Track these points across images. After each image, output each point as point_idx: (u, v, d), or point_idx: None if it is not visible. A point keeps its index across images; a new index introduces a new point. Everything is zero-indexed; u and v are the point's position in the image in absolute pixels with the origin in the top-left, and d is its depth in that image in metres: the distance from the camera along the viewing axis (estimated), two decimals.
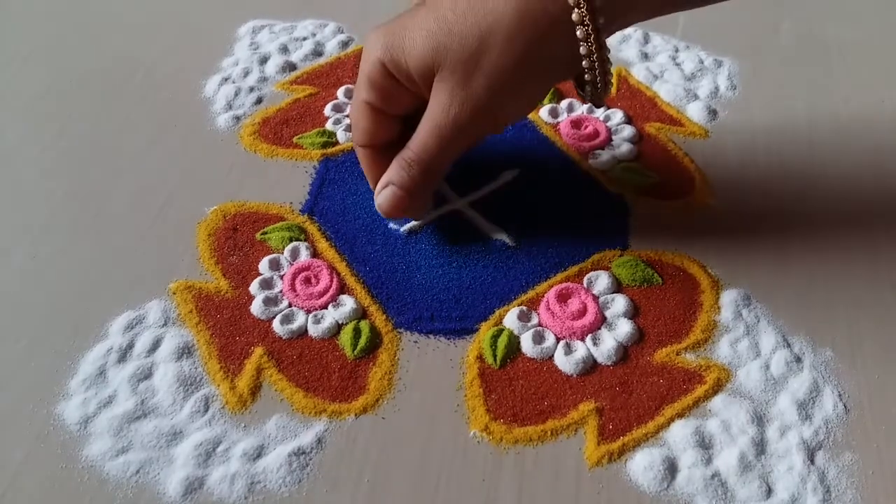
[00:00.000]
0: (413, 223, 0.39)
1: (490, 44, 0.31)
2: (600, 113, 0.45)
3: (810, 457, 0.31)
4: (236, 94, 0.47)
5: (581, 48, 0.32)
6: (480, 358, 0.34)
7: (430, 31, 0.32)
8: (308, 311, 0.35)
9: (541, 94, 0.35)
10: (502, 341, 0.34)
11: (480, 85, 0.32)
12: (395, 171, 0.35)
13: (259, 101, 0.47)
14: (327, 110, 0.46)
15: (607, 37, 0.32)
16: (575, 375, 0.33)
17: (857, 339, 0.35)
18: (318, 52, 0.50)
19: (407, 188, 0.35)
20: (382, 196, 0.36)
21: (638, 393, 0.33)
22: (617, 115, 0.45)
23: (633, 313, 0.36)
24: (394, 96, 0.35)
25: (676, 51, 0.50)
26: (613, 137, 0.44)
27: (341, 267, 0.37)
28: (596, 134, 0.44)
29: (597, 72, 0.32)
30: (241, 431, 0.32)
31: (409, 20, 0.33)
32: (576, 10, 0.31)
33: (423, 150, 0.34)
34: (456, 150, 0.35)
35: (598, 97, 0.34)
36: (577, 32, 0.31)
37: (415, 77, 0.33)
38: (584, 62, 0.32)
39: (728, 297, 0.36)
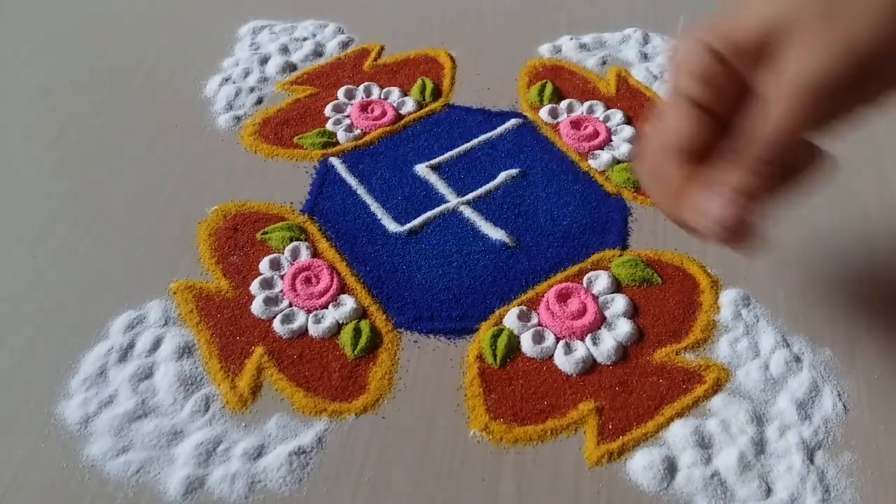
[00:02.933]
0: (414, 223, 0.39)
1: None
2: (600, 113, 0.45)
3: (809, 456, 0.31)
4: (237, 95, 0.47)
5: None
6: (480, 358, 0.34)
7: None
8: (308, 311, 0.36)
9: None
10: (502, 341, 0.34)
11: (854, 27, 0.25)
12: (737, 177, 0.27)
13: (259, 101, 0.47)
14: (327, 110, 0.46)
15: None
16: (575, 375, 0.33)
17: (857, 339, 0.35)
18: (318, 53, 0.50)
19: (757, 192, 0.27)
20: (724, 212, 0.26)
21: (637, 392, 0.33)
22: (617, 116, 0.45)
23: (633, 313, 0.36)
24: (721, 86, 0.27)
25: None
26: (613, 137, 0.44)
27: (341, 267, 0.37)
28: (596, 134, 0.44)
29: None
30: (241, 431, 0.32)
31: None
32: None
33: (787, 117, 0.26)
34: (822, 123, 0.27)
35: None
36: None
37: (753, 47, 0.26)
38: None
39: (727, 297, 0.36)
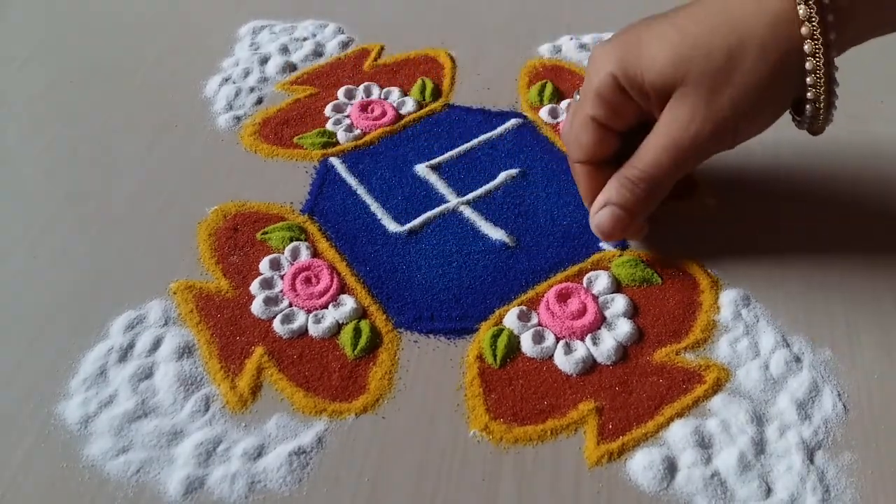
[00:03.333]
0: (414, 223, 0.39)
1: (740, 59, 0.30)
2: None
3: (809, 456, 0.31)
4: (237, 95, 0.47)
5: (807, 63, 0.30)
6: (480, 357, 0.34)
7: (672, 44, 0.31)
8: (308, 311, 0.36)
9: (778, 114, 0.33)
10: (502, 341, 0.34)
11: (726, 102, 0.31)
12: (615, 191, 0.34)
13: (259, 101, 0.47)
14: (327, 111, 0.46)
15: (837, 55, 0.30)
16: (575, 375, 0.33)
17: (857, 339, 0.35)
18: (318, 53, 0.50)
19: (630, 208, 0.34)
20: (602, 216, 0.35)
21: (637, 392, 0.33)
22: None
23: (633, 313, 0.36)
24: (621, 111, 0.33)
25: None
26: None
27: (341, 267, 0.37)
28: None
29: (821, 90, 0.30)
30: (241, 431, 0.32)
31: (644, 32, 0.32)
32: (806, 23, 0.29)
33: (655, 166, 0.33)
34: (687, 168, 0.33)
35: (817, 121, 0.32)
36: (805, 47, 0.29)
37: (650, 91, 0.32)
38: (808, 78, 0.30)
39: (727, 297, 0.36)
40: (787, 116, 0.34)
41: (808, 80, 0.30)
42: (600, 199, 0.35)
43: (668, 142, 0.32)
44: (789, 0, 0.30)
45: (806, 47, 0.30)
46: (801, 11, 0.29)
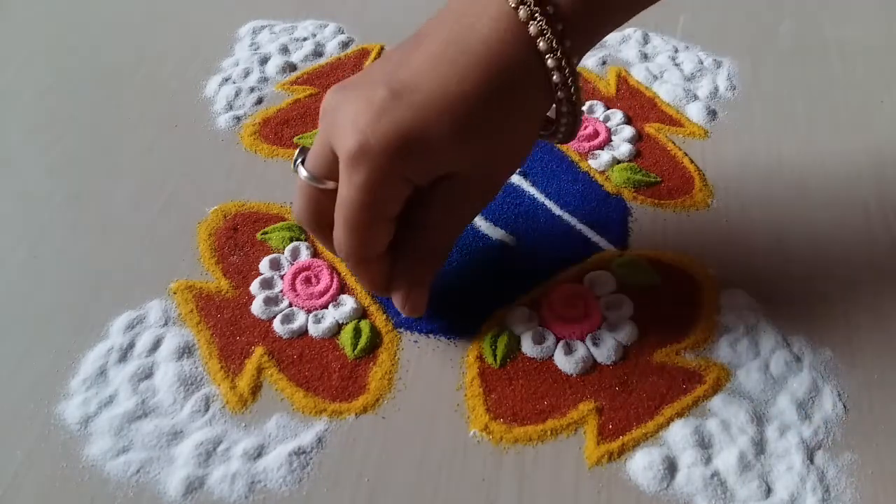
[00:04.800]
0: None
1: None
2: (600, 113, 0.45)
3: (810, 456, 0.31)
4: (237, 95, 0.47)
5: (554, 76, 0.29)
6: (480, 358, 0.34)
7: (426, 106, 0.28)
8: (308, 311, 0.36)
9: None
10: (502, 341, 0.34)
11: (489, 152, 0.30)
12: (416, 271, 0.32)
13: (259, 101, 0.47)
14: None
15: (578, 62, 0.30)
16: (575, 375, 0.33)
17: (857, 339, 0.35)
18: (318, 53, 0.50)
19: (429, 281, 0.33)
20: (415, 303, 0.33)
21: (637, 392, 0.33)
22: (617, 116, 0.45)
23: (633, 313, 0.36)
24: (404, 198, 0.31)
25: (676, 51, 0.50)
26: (613, 138, 0.44)
27: (342, 267, 0.37)
28: (596, 134, 0.44)
29: (573, 96, 0.30)
30: (241, 431, 0.32)
31: (390, 103, 0.28)
32: (532, 23, 0.28)
33: (450, 237, 0.32)
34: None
35: (571, 129, 0.32)
36: (549, 61, 0.29)
37: (440, 162, 0.30)
38: (559, 93, 0.30)
39: (728, 297, 0.36)
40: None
41: (558, 94, 0.30)
42: (401, 285, 0.33)
43: (458, 211, 0.32)
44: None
45: (549, 61, 0.29)
46: (531, 30, 0.28)
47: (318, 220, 0.32)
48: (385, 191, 0.29)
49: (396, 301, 0.33)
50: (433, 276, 0.33)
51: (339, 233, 0.31)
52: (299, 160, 0.32)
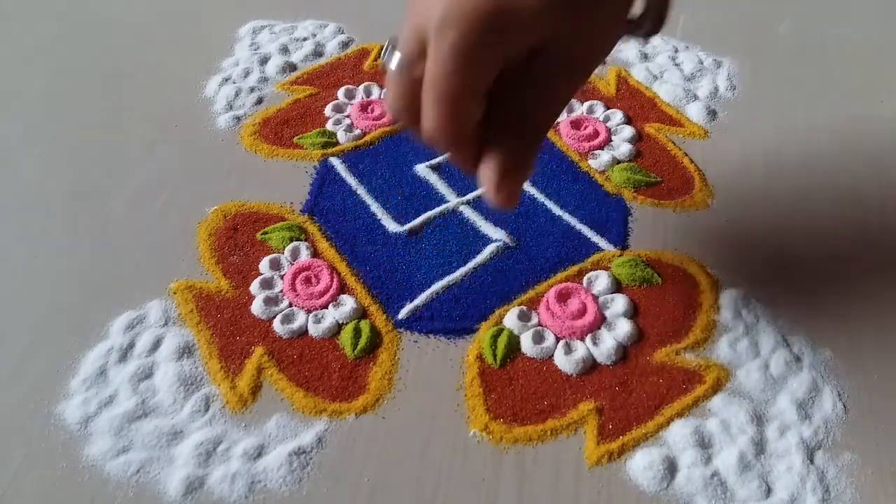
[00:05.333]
0: (413, 223, 0.39)
1: None
2: (600, 113, 0.45)
3: (810, 456, 0.31)
4: (237, 95, 0.47)
5: None
6: (480, 358, 0.34)
7: None
8: (308, 311, 0.36)
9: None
10: (502, 341, 0.34)
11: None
12: (511, 152, 0.29)
13: (259, 101, 0.47)
14: (327, 111, 0.46)
15: None
16: (575, 375, 0.33)
17: (857, 339, 0.35)
18: (318, 53, 0.50)
19: (526, 164, 0.30)
20: (510, 189, 0.29)
21: (637, 392, 0.33)
22: (617, 116, 0.45)
23: (633, 313, 0.36)
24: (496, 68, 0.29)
25: (676, 51, 0.50)
26: (613, 138, 0.44)
27: (341, 267, 0.37)
28: (596, 134, 0.44)
29: None
30: (241, 431, 0.32)
31: None
32: None
33: (545, 114, 0.30)
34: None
35: (658, 20, 0.30)
36: None
37: (529, 28, 0.28)
38: None
39: (728, 297, 0.36)
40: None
41: None
42: (496, 169, 0.30)
43: (572, 77, 0.30)
44: None
45: None
46: None
47: (411, 106, 0.30)
48: (475, 55, 0.28)
49: (489, 188, 0.30)
50: (531, 160, 0.30)
51: (428, 109, 0.29)
52: (388, 48, 0.30)
